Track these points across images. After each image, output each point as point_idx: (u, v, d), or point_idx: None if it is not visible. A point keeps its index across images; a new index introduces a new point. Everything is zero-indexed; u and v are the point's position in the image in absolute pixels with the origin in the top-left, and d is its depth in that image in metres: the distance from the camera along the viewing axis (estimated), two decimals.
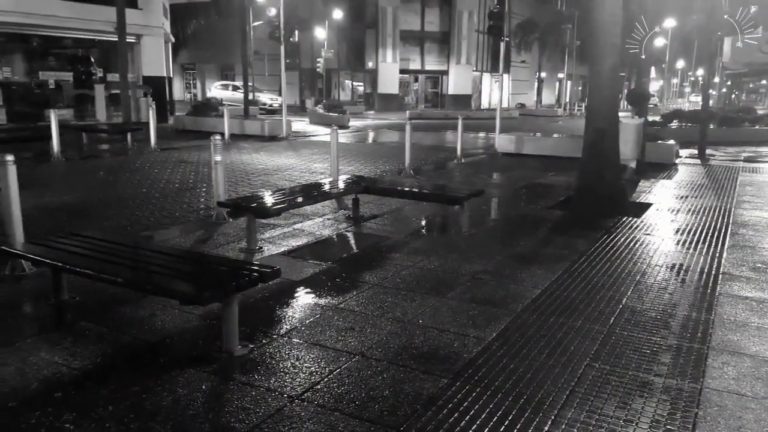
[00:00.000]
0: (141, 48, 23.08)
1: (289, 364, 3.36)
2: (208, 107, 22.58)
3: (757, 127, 19.55)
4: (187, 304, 3.53)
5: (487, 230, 7.00)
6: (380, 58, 41.91)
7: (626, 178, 10.00)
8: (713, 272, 5.20)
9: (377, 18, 41.54)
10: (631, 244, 6.12)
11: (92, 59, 23.75)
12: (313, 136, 19.20)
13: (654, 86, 56.04)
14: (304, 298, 4.45)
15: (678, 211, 7.91)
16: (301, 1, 30.98)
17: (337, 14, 39.62)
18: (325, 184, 7.43)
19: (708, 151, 14.20)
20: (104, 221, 7.05)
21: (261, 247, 5.71)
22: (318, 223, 6.88)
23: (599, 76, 7.76)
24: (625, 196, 8.31)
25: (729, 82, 43.28)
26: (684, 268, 5.33)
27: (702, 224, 7.07)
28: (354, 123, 25.32)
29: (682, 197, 8.92)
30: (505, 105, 38.25)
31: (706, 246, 6.07)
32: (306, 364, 3.37)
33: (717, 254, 5.76)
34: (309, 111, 31.07)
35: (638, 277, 5.03)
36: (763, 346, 3.71)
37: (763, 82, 44.76)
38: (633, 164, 11.13)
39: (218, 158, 6.68)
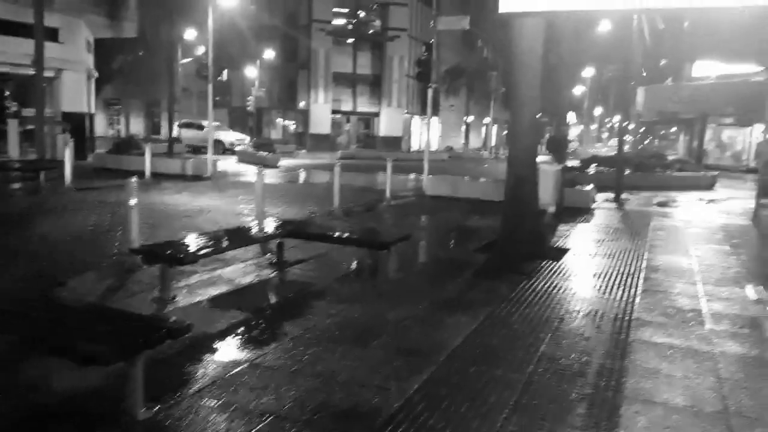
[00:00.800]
0: (61, 83, 22.15)
1: (198, 428, 3.16)
2: (130, 145, 21.86)
3: (668, 172, 20.83)
4: (85, 365, 3.28)
5: (413, 274, 7.01)
6: (312, 99, 42.17)
7: (546, 223, 10.34)
8: (627, 318, 5.37)
9: (309, 59, 41.96)
10: (550, 289, 6.27)
11: (6, 93, 22.60)
12: (241, 175, 18.87)
13: (574, 131, 58.96)
14: (218, 353, 4.24)
15: (595, 255, 8.20)
16: (233, 40, 30.84)
17: (269, 54, 39.69)
18: (248, 227, 7.25)
19: (623, 196, 14.92)
20: (4, 270, 6.55)
21: (175, 297, 5.44)
22: (240, 269, 6.67)
23: (519, 125, 8.05)
24: (544, 240, 8.56)
25: (643, 129, 46.07)
26: (600, 313, 5.48)
27: (616, 268, 7.34)
28: (285, 162, 25.07)
29: (598, 241, 9.28)
30: (434, 148, 39.13)
31: (620, 291, 6.29)
32: (215, 428, 3.17)
33: (630, 299, 5.97)
34: (237, 149, 30.59)
35: (556, 323, 5.13)
36: (672, 393, 3.82)
37: (673, 129, 47.96)
38: (552, 209, 11.52)
39: (132, 201, 6.40)
